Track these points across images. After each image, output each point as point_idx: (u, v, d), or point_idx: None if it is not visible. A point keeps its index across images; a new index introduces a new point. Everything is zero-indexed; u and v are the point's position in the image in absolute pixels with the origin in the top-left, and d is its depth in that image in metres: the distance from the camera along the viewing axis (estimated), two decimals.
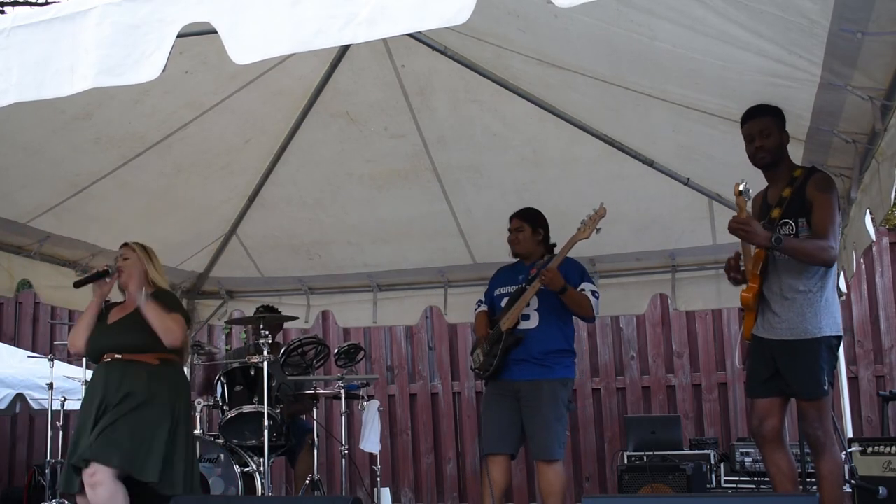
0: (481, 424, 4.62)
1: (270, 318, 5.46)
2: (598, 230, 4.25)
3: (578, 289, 4.32)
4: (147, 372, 3.86)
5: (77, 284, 4.04)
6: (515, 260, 4.62)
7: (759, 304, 3.47)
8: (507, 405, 4.33)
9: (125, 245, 4.09)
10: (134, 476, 3.68)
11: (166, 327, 3.87)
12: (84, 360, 5.24)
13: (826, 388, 3.33)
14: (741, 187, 3.20)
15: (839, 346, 3.47)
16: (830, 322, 3.37)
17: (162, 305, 3.92)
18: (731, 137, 3.63)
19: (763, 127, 3.42)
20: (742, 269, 3.57)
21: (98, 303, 3.99)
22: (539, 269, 4.35)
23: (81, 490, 3.69)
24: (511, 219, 4.55)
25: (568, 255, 4.33)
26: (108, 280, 3.99)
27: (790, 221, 3.37)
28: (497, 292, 4.56)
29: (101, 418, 3.72)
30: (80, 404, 4.03)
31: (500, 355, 4.32)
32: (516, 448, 4.38)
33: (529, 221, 4.50)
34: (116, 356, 3.86)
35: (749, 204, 3.34)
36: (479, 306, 4.68)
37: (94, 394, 3.84)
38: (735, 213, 3.33)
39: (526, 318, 4.36)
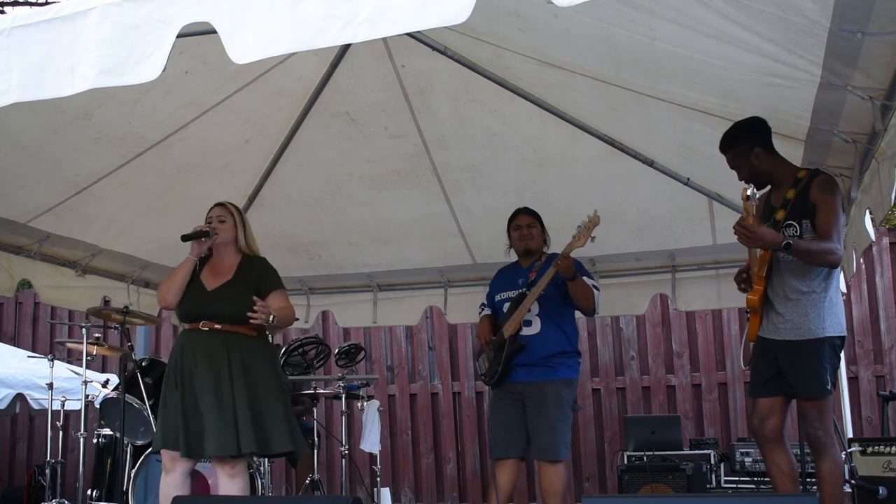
0: (489, 429, 4.62)
1: None
2: (593, 238, 4.24)
3: None
4: (246, 344, 3.83)
5: (184, 238, 3.91)
6: (513, 261, 4.62)
7: (764, 305, 3.48)
8: (513, 408, 4.35)
9: (221, 205, 4.00)
10: (265, 454, 3.90)
11: (287, 318, 3.99)
12: (84, 359, 5.24)
13: (829, 388, 3.34)
14: (748, 192, 3.18)
15: (842, 346, 3.47)
16: (834, 322, 3.38)
17: (279, 300, 3.93)
18: None
19: (731, 164, 3.54)
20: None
21: (194, 260, 3.89)
22: (538, 272, 4.36)
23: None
24: (519, 215, 4.55)
25: None
26: (205, 240, 3.89)
27: (794, 223, 3.38)
28: (498, 297, 4.57)
29: (215, 396, 3.69)
30: (169, 372, 3.85)
31: (504, 362, 4.34)
32: (523, 451, 4.40)
33: (538, 218, 4.54)
34: (216, 326, 3.81)
35: (755, 208, 3.34)
36: (482, 310, 4.69)
37: (200, 364, 3.75)
38: (740, 216, 3.33)
39: (528, 323, 4.37)
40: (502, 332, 4.38)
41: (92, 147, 4.16)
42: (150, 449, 4.36)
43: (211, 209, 4.01)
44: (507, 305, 4.45)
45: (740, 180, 3.53)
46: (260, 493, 4.58)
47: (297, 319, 5.81)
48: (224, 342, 3.80)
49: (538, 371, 4.30)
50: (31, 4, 12.70)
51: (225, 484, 3.74)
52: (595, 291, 4.38)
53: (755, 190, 3.23)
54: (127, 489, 4.61)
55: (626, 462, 5.39)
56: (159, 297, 4.05)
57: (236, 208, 4.04)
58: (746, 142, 3.45)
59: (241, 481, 3.75)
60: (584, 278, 4.38)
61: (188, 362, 3.78)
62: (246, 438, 3.68)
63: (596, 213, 4.23)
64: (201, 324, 3.83)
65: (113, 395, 5.20)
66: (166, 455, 3.78)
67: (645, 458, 5.26)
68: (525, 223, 4.52)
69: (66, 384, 5.96)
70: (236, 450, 3.67)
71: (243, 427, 3.68)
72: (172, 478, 3.78)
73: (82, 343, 5.25)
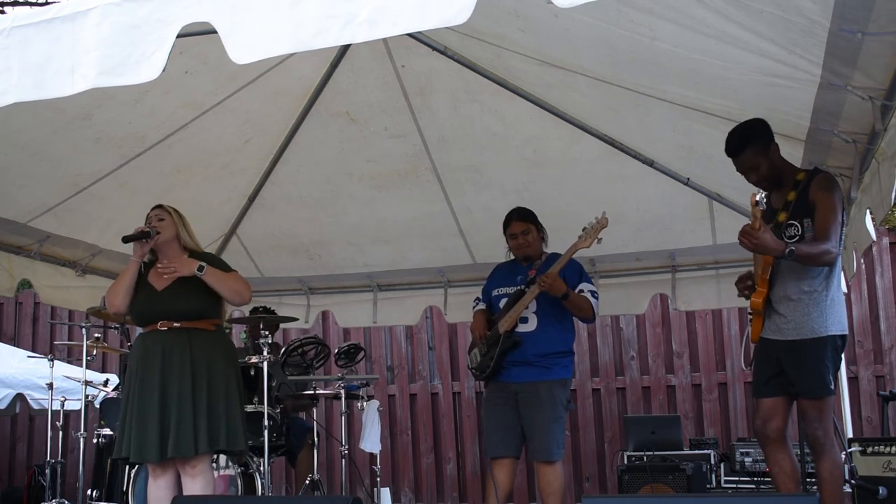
0: (484, 427, 4.62)
1: (269, 319, 5.46)
2: (600, 240, 4.23)
3: (577, 289, 4.30)
4: (207, 340, 3.83)
5: (126, 240, 3.88)
6: (512, 257, 4.61)
7: (766, 307, 3.48)
8: (508, 407, 4.33)
9: (159, 206, 3.97)
10: (226, 450, 3.90)
11: (233, 290, 3.88)
12: (84, 359, 5.24)
13: (831, 387, 3.34)
14: (758, 197, 3.14)
15: (844, 346, 3.47)
16: (835, 322, 3.38)
17: (218, 269, 3.88)
18: None
19: (749, 164, 3.46)
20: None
21: (138, 262, 3.86)
22: (538, 270, 4.34)
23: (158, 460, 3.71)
24: (511, 222, 4.46)
25: None
26: (148, 241, 3.85)
27: (796, 223, 3.38)
28: (496, 292, 4.55)
29: (173, 397, 3.67)
30: (131, 375, 3.84)
31: (497, 357, 4.32)
32: (519, 450, 4.38)
33: (534, 222, 4.46)
34: (175, 325, 3.79)
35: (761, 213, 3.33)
36: (476, 304, 4.67)
37: (154, 365, 3.74)
38: (745, 223, 3.31)
39: (524, 320, 4.34)
40: (497, 328, 4.37)
41: (92, 147, 4.16)
42: None
43: (150, 211, 3.98)
44: (504, 301, 4.43)
45: (754, 181, 3.46)
46: (260, 493, 4.58)
47: (298, 321, 5.84)
48: (184, 339, 3.78)
49: (532, 371, 4.28)
50: (31, 4, 12.70)
51: (187, 482, 3.72)
52: (593, 300, 4.32)
53: (764, 196, 3.18)
54: (127, 489, 4.61)
55: (626, 462, 5.39)
56: (108, 303, 4.04)
57: (173, 209, 3.99)
58: (764, 137, 3.41)
59: (202, 480, 3.71)
60: (584, 284, 4.33)
61: (149, 364, 3.76)
62: (203, 438, 3.66)
63: (604, 215, 4.21)
64: (159, 324, 3.82)
65: (113, 395, 5.21)
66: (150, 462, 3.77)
67: (645, 458, 5.26)
68: (519, 230, 4.42)
69: (66, 384, 5.96)
70: (193, 450, 3.64)
71: (201, 426, 3.67)
72: (160, 482, 3.77)
73: (82, 343, 5.26)
